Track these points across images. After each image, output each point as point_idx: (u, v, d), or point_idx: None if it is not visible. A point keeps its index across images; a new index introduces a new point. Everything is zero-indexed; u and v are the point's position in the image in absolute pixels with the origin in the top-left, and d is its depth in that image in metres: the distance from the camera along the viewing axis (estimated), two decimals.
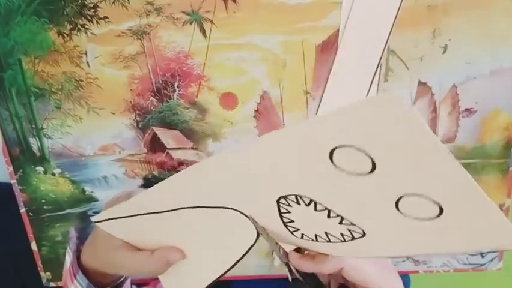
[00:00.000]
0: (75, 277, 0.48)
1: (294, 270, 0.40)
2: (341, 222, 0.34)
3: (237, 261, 0.42)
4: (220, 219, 0.39)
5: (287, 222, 0.37)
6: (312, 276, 0.42)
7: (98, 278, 0.48)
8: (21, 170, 0.57)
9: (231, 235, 0.40)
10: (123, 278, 0.51)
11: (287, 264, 0.40)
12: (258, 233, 0.39)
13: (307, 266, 0.40)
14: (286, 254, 0.40)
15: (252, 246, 0.40)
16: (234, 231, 0.40)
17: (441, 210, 0.29)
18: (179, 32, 0.51)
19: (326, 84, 0.52)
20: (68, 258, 0.50)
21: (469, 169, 0.55)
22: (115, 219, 0.41)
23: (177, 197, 0.38)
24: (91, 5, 0.50)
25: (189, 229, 0.42)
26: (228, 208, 0.37)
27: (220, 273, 0.43)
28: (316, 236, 0.37)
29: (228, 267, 0.42)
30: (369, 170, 0.28)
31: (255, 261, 0.61)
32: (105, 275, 0.48)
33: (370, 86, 0.52)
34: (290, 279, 0.40)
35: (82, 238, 0.53)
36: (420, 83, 0.52)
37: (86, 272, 0.48)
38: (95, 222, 0.41)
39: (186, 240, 0.43)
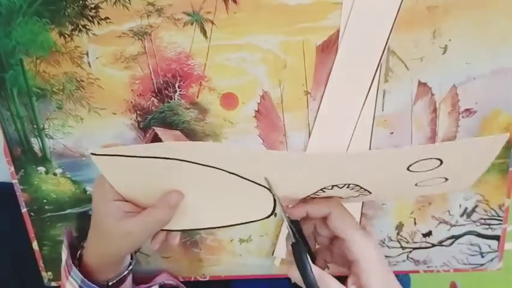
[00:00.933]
0: (69, 273, 0.48)
1: (291, 232, 0.44)
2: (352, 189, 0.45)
3: (242, 223, 0.46)
4: (236, 186, 0.42)
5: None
6: (297, 226, 0.45)
7: (101, 273, 0.49)
8: (22, 170, 0.58)
9: (246, 202, 0.44)
10: (125, 272, 0.51)
11: (290, 227, 0.43)
12: (273, 210, 0.44)
13: (301, 209, 0.45)
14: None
15: (265, 218, 0.45)
16: (249, 200, 0.44)
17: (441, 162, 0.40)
18: (180, 33, 0.51)
19: (326, 85, 0.52)
20: (64, 256, 0.50)
21: None
22: (117, 157, 0.39)
23: (202, 157, 0.40)
24: (92, 6, 0.50)
25: (195, 183, 0.43)
26: (253, 182, 0.41)
27: (219, 224, 0.45)
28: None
29: (229, 223, 0.44)
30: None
31: (255, 261, 0.61)
32: (109, 268, 0.48)
33: (370, 86, 0.52)
34: (293, 239, 0.43)
35: (81, 238, 0.53)
36: (420, 83, 0.53)
37: (88, 270, 0.49)
38: (92, 154, 0.39)
39: (189, 191, 0.44)
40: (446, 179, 0.45)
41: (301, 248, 0.42)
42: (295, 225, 0.45)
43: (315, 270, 0.42)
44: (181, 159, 0.40)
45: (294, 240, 0.43)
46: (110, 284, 0.50)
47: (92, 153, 0.40)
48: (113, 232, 0.46)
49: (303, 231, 0.46)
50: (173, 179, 0.43)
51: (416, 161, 0.40)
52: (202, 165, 0.41)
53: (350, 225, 0.44)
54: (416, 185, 0.45)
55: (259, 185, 0.42)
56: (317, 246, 0.49)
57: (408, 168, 0.41)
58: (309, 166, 0.41)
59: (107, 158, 0.40)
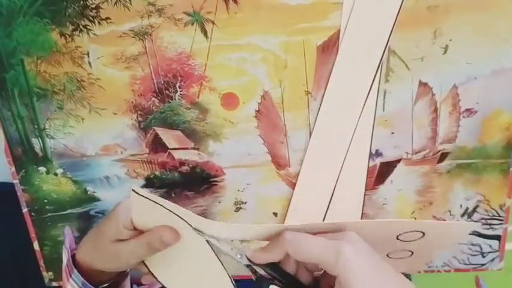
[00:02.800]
0: (70, 276, 0.48)
1: (257, 269, 0.42)
2: None
3: None
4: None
5: None
6: (278, 270, 0.43)
7: (94, 275, 0.49)
8: (23, 170, 0.58)
9: None
10: (120, 276, 0.51)
11: (249, 266, 0.42)
12: None
13: (260, 256, 0.42)
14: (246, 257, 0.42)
15: None
16: None
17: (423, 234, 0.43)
18: (181, 33, 0.51)
19: (327, 85, 0.52)
20: (64, 257, 0.50)
21: (469, 169, 0.56)
22: (150, 201, 0.41)
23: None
24: (93, 6, 0.50)
25: (195, 261, 0.45)
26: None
27: None
28: None
29: None
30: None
31: None
32: (100, 272, 0.48)
33: (371, 86, 0.52)
34: (254, 278, 0.42)
35: (82, 238, 0.53)
36: (421, 83, 0.53)
37: (81, 270, 0.49)
38: (133, 190, 0.41)
39: (187, 262, 0.45)
40: (412, 253, 0.47)
41: (264, 283, 0.41)
42: (272, 265, 0.43)
43: None
44: (206, 236, 0.42)
45: (254, 278, 0.42)
46: (100, 287, 0.50)
47: (133, 190, 0.42)
48: (103, 250, 0.46)
49: (285, 267, 0.43)
50: (184, 243, 0.44)
51: (404, 232, 0.43)
52: (212, 249, 0.42)
53: (310, 247, 0.40)
54: (387, 255, 0.46)
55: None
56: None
57: (397, 237, 0.44)
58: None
59: (144, 198, 0.42)
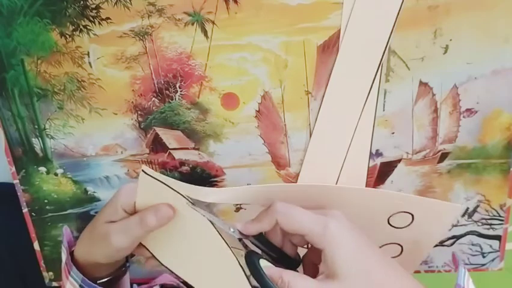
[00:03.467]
0: (69, 273, 0.48)
1: (248, 243, 0.43)
2: None
3: None
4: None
5: None
6: (266, 243, 0.44)
7: (92, 270, 0.49)
8: (23, 170, 0.58)
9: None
10: (119, 271, 0.51)
11: (240, 240, 0.43)
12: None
13: (251, 227, 0.43)
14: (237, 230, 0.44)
15: None
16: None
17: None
18: (181, 33, 0.51)
19: (327, 85, 0.52)
20: (64, 256, 0.50)
21: (469, 169, 0.55)
22: (157, 182, 0.42)
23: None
24: (93, 6, 0.50)
25: (200, 240, 0.45)
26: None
27: (191, 282, 0.46)
28: None
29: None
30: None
31: None
32: (98, 264, 0.48)
33: (371, 86, 0.52)
34: (243, 253, 0.42)
35: None
36: (421, 83, 0.53)
37: (79, 265, 0.49)
38: (143, 171, 0.42)
39: (191, 241, 0.45)
40: (402, 250, 0.49)
41: (254, 256, 0.41)
42: (259, 237, 0.44)
43: (273, 270, 0.40)
44: (209, 219, 0.43)
45: (244, 252, 0.42)
46: (98, 282, 0.50)
47: (143, 170, 0.42)
48: (96, 232, 0.46)
49: (272, 239, 0.44)
50: (188, 224, 0.44)
51: (394, 213, 0.44)
52: (219, 233, 0.43)
53: (299, 219, 0.41)
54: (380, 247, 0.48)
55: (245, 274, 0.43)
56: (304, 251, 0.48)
57: (388, 222, 0.45)
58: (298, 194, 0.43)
59: (152, 180, 0.42)
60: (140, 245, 0.47)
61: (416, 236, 0.47)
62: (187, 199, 0.42)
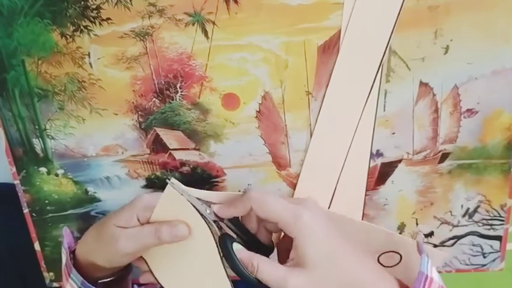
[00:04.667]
0: (69, 275, 0.48)
1: (223, 226, 0.44)
2: None
3: None
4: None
5: None
6: (241, 228, 0.46)
7: (92, 271, 0.48)
8: (24, 171, 0.58)
9: None
10: (120, 272, 0.51)
11: (216, 222, 0.44)
12: None
13: (226, 211, 0.44)
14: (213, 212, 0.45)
15: None
16: None
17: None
18: (182, 33, 0.51)
19: (327, 85, 0.52)
20: (64, 257, 0.50)
21: (470, 170, 0.55)
22: (183, 198, 0.43)
23: None
24: (94, 7, 0.50)
25: (203, 265, 0.45)
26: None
27: None
28: None
29: None
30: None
31: None
32: (98, 267, 0.48)
33: (371, 86, 0.52)
34: (219, 234, 0.43)
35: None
36: (421, 83, 0.53)
37: (80, 266, 0.49)
38: (171, 183, 0.43)
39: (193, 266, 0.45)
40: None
41: (227, 239, 0.42)
42: (235, 221, 0.45)
43: (244, 253, 0.41)
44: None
45: (219, 234, 0.43)
46: (99, 282, 0.50)
47: (171, 182, 0.43)
48: (104, 232, 0.46)
49: (247, 225, 0.46)
50: (195, 246, 0.44)
51: (383, 253, 0.45)
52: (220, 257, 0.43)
53: (273, 207, 0.42)
54: None
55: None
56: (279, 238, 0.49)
57: (378, 260, 0.46)
58: None
59: (177, 194, 0.43)
60: (140, 257, 0.47)
61: (406, 275, 0.46)
62: (207, 221, 0.43)
